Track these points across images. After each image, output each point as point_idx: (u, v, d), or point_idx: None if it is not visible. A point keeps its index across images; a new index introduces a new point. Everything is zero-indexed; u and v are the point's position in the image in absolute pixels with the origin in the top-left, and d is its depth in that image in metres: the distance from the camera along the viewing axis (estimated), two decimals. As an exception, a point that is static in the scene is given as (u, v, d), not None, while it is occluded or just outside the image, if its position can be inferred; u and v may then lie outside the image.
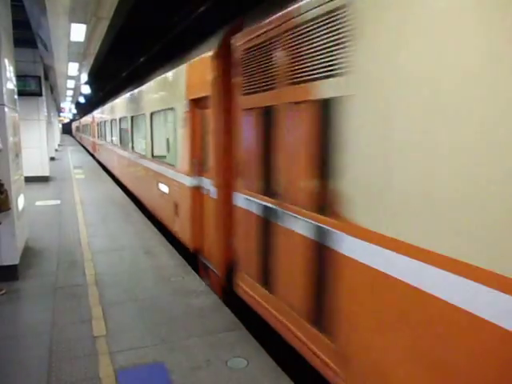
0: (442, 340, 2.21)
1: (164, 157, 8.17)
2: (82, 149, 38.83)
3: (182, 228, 6.95)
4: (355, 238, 2.81)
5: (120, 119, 13.90)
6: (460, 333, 2.12)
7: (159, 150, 8.66)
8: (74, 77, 16.79)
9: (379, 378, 2.68)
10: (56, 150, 30.04)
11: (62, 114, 49.05)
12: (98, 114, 22.86)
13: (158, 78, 8.32)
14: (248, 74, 4.39)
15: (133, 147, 11.69)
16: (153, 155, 9.12)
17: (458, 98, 2.06)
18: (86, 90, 22.11)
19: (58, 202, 11.52)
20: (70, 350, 3.98)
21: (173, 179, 7.35)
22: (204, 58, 5.55)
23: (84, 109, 44.94)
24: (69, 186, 14.47)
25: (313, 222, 3.34)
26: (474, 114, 2.00)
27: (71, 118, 63.41)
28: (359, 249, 2.77)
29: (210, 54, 5.29)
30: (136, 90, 10.73)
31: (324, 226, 3.19)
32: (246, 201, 4.57)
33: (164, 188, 8.02)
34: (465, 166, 2.05)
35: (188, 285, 5.62)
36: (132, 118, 11.43)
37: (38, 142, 14.93)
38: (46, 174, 15.51)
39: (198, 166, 6.17)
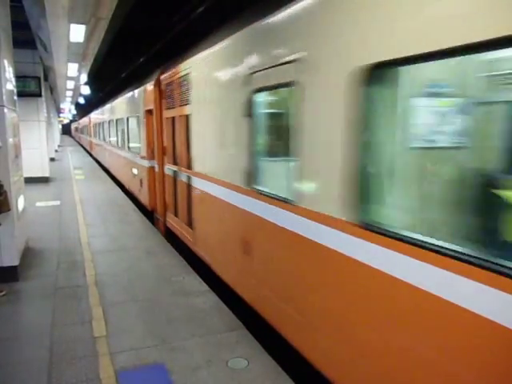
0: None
1: (135, 148, 11.24)
2: (81, 149, 38.84)
3: (144, 196, 10.24)
4: (196, 177, 6.21)
5: (109, 121, 17.41)
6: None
7: (132, 143, 11.91)
8: (74, 77, 16.80)
9: (205, 238, 6.02)
10: (56, 151, 30.04)
11: (61, 115, 49.04)
12: (92, 117, 27.31)
13: (130, 93, 11.65)
14: (166, 98, 7.83)
15: (117, 143, 15.01)
16: (129, 148, 12.42)
17: (206, 128, 5.69)
18: (86, 90, 22.13)
19: (58, 202, 11.52)
20: (71, 350, 3.98)
21: (139, 163, 10.67)
22: (149, 86, 8.96)
23: (83, 109, 44.93)
24: (69, 187, 14.48)
25: (186, 174, 6.76)
26: (205, 132, 5.72)
27: (71, 118, 63.44)
28: (197, 181, 6.17)
29: (152, 84, 8.60)
30: (118, 100, 14.39)
31: (189, 175, 6.56)
32: (168, 169, 8.12)
33: (134, 170, 11.40)
34: (209, 149, 5.64)
35: (188, 285, 5.62)
36: (116, 120, 14.77)
37: (37, 143, 14.93)
38: (46, 174, 15.51)
39: (151, 153, 9.38)
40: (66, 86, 20.69)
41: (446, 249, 2.19)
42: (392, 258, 2.51)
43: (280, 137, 4.07)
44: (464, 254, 2.11)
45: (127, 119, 12.19)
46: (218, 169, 5.36)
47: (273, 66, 3.76)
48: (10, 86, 6.44)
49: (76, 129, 59.11)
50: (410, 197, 2.88)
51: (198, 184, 6.11)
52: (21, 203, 6.63)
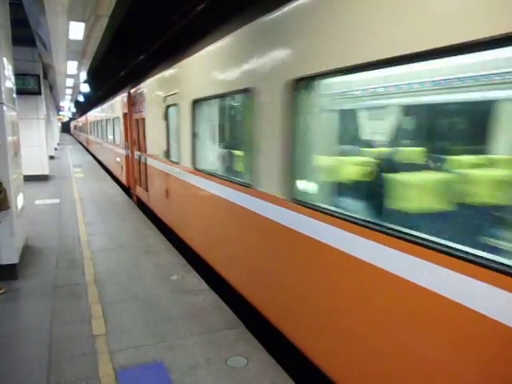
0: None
1: (117, 141, 14.88)
2: (81, 147, 38.79)
3: (123, 177, 13.69)
4: (148, 157, 9.84)
5: (100, 121, 21.11)
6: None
7: (116, 138, 15.26)
8: (73, 75, 16.77)
9: (152, 194, 9.64)
10: (55, 149, 30.00)
11: (61, 113, 48.99)
12: (88, 117, 31.86)
13: (113, 100, 15.45)
14: (134, 105, 11.24)
15: (106, 138, 18.62)
16: (114, 141, 15.80)
17: (151, 126, 9.42)
18: (85, 88, 22.09)
19: (58, 200, 11.51)
20: (70, 349, 3.98)
21: (120, 153, 14.10)
22: (124, 96, 12.42)
23: (83, 107, 44.89)
24: (68, 185, 14.46)
25: (143, 155, 10.30)
26: (150, 129, 9.45)
27: (70, 116, 63.42)
28: (148, 159, 9.82)
29: (125, 95, 12.03)
30: (105, 104, 18.37)
31: (145, 156, 10.12)
32: (136, 155, 11.35)
33: (117, 159, 14.88)
34: (151, 139, 9.42)
35: (188, 283, 5.62)
36: (107, 120, 18.14)
37: (37, 141, 14.91)
38: (46, 172, 15.50)
39: (127, 145, 12.64)
40: (65, 84, 20.65)
41: (339, 213, 3.10)
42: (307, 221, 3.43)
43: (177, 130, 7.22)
44: (351, 218, 2.95)
45: (112, 119, 15.91)
46: (154, 150, 8.97)
47: (171, 95, 7.33)
48: (10, 83, 6.43)
49: (75, 127, 63.63)
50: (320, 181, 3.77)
51: (148, 161, 9.70)
52: (20, 201, 6.62)
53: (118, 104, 14.08)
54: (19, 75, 11.83)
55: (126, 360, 3.80)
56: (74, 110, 52.98)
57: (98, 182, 15.50)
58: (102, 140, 20.58)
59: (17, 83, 7.52)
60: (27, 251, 6.77)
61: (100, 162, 22.71)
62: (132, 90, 11.35)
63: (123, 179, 13.71)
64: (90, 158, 27.00)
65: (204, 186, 5.82)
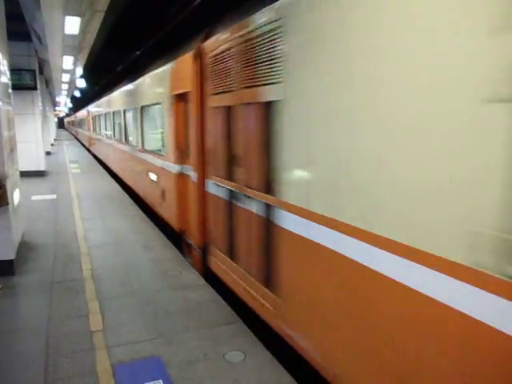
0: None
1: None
2: (77, 143, 38.70)
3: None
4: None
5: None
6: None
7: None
8: (69, 70, 16.67)
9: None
10: (52, 145, 29.88)
11: (57, 108, 48.77)
12: (78, 114, 35.00)
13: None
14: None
15: (100, 132, 18.83)
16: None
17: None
18: (82, 83, 21.98)
19: (54, 196, 11.48)
20: (67, 344, 3.98)
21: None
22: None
23: (79, 102, 44.70)
24: (65, 181, 14.42)
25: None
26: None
27: (67, 112, 63.29)
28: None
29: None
30: (98, 102, 18.26)
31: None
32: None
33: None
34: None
35: (185, 279, 5.62)
36: (101, 115, 17.79)
37: (33, 137, 14.84)
38: (42, 168, 15.44)
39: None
40: (61, 79, 20.54)
41: None
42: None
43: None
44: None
45: (104, 115, 12.36)
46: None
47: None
48: (5, 78, 6.40)
49: (68, 122, 67.50)
50: None
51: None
52: (16, 197, 6.61)
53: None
54: (15, 70, 11.75)
55: (123, 355, 3.81)
56: (70, 105, 52.75)
57: (94, 177, 15.46)
58: (95, 133, 18.68)
59: (12, 78, 7.49)
60: (24, 247, 6.75)
61: (99, 160, 20.71)
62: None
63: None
64: (87, 153, 26.92)
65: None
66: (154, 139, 9.11)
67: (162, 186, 8.01)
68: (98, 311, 4.67)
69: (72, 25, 8.80)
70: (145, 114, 9.52)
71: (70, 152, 27.72)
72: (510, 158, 1.82)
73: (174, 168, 6.98)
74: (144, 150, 9.75)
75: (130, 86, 11.26)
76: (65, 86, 25.16)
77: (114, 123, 15.01)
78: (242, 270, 4.61)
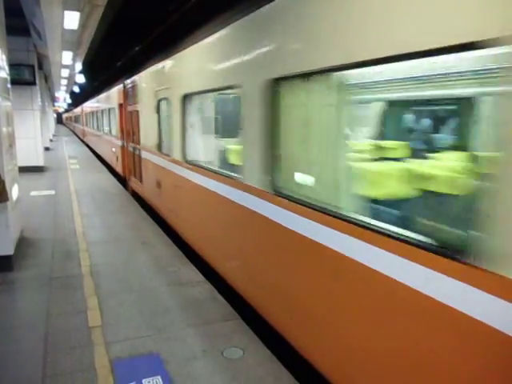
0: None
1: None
2: (76, 139, 38.65)
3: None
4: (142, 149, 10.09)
5: (90, 113, 24.55)
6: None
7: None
8: (68, 66, 16.62)
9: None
10: (51, 141, 29.82)
11: (56, 104, 48.63)
12: (76, 111, 41.00)
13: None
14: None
15: (97, 127, 21.04)
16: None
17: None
18: (81, 79, 21.92)
19: (53, 192, 11.46)
20: (66, 340, 3.98)
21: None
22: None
23: (79, 98, 44.60)
24: (64, 176, 14.40)
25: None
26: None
27: (66, 107, 63.17)
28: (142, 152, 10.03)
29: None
30: (96, 98, 21.05)
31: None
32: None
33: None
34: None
35: (184, 275, 5.62)
36: (97, 112, 20.28)
37: (32, 132, 14.81)
38: (41, 164, 15.41)
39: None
40: (60, 75, 20.48)
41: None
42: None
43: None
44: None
45: (101, 111, 17.70)
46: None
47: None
48: (4, 73, 6.37)
49: (66, 118, 75.60)
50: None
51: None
52: (15, 192, 6.59)
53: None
54: (13, 65, 11.69)
55: (122, 351, 3.80)
56: (69, 101, 52.59)
57: (93, 173, 15.43)
58: (98, 130, 21.10)
59: (11, 73, 7.44)
60: (23, 243, 6.74)
61: (97, 155, 22.32)
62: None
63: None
64: (86, 149, 26.87)
65: None
66: (110, 127, 15.58)
67: (115, 152, 14.41)
68: (96, 307, 4.67)
69: (71, 19, 8.77)
70: (110, 113, 15.32)
71: (68, 148, 27.66)
72: None
73: (119, 142, 13.32)
74: (106, 133, 17.14)
75: (98, 97, 19.82)
76: (64, 82, 25.09)
77: (95, 118, 21.71)
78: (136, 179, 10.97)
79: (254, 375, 3.48)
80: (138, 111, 9.93)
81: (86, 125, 29.46)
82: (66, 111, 71.34)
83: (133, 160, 11.21)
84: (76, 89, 32.41)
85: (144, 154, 9.56)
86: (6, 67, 6.69)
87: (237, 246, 4.76)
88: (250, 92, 4.05)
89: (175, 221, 7.29)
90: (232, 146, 6.12)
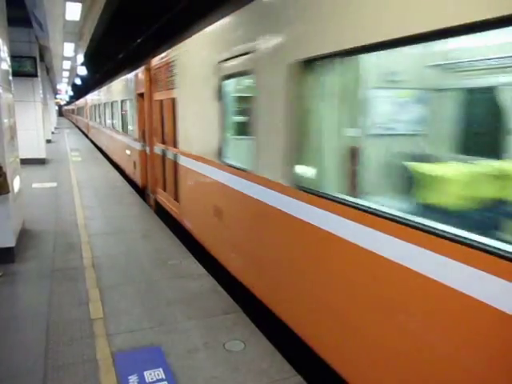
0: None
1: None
2: (78, 131, 38.66)
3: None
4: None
5: (90, 107, 24.72)
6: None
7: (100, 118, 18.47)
8: (70, 58, 16.55)
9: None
10: (52, 133, 29.79)
11: (58, 96, 48.53)
12: (77, 104, 41.82)
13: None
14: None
15: (94, 119, 22.54)
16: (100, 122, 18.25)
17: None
18: (82, 71, 21.84)
19: (55, 184, 11.46)
20: (68, 332, 3.98)
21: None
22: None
23: (81, 90, 44.52)
24: (65, 169, 14.40)
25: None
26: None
27: (67, 100, 63.08)
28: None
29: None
30: (104, 88, 18.37)
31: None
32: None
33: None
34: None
35: (186, 268, 5.62)
36: (96, 106, 21.12)
37: (33, 124, 14.77)
38: (43, 156, 15.40)
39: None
40: (62, 67, 20.40)
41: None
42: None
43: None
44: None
45: (93, 106, 19.30)
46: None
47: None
48: (5, 65, 6.34)
49: (66, 110, 77.00)
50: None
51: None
52: (17, 184, 6.59)
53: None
54: (15, 57, 11.64)
55: (123, 343, 3.81)
56: (71, 93, 52.48)
57: (95, 165, 15.43)
58: (91, 119, 24.82)
59: (13, 65, 7.41)
60: (24, 235, 6.75)
61: (99, 148, 22.19)
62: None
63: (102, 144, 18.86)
64: (88, 141, 26.87)
65: None
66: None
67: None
68: (98, 299, 4.67)
69: (73, 11, 8.70)
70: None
71: (70, 140, 27.65)
72: None
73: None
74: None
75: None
76: (65, 74, 25.00)
77: (103, 113, 18.89)
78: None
79: (256, 367, 3.48)
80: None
81: (91, 118, 26.29)
82: (68, 104, 71.18)
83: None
84: (78, 81, 32.32)
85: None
86: (8, 59, 6.65)
87: None
88: None
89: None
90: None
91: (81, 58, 17.50)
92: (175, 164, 7.25)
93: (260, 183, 4.08)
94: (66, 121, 64.81)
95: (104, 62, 25.47)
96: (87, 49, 15.21)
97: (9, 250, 5.73)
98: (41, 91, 15.97)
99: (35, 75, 14.42)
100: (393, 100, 3.69)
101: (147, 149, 9.53)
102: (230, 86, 5.02)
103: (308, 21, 3.20)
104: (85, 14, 9.40)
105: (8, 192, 5.57)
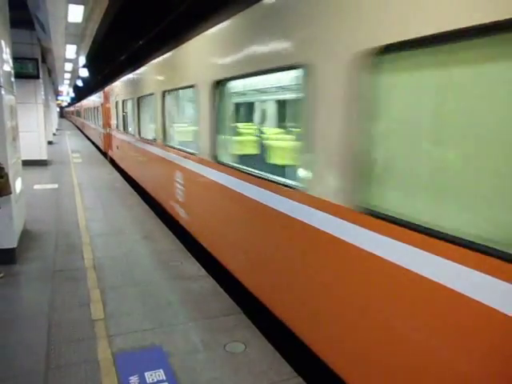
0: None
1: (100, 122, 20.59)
2: (79, 133, 38.70)
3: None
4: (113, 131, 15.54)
5: (87, 109, 29.51)
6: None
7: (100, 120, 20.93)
8: (72, 60, 16.62)
9: (117, 154, 15.37)
10: (54, 135, 29.84)
11: (59, 98, 48.64)
12: (77, 106, 45.85)
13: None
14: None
15: (93, 119, 25.22)
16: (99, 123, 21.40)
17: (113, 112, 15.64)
18: (84, 73, 21.90)
19: (56, 185, 11.48)
20: (69, 333, 4.00)
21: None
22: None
23: (82, 92, 44.62)
24: (67, 170, 14.43)
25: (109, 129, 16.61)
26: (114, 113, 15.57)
27: (69, 101, 63.19)
28: (113, 132, 15.68)
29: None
30: (92, 96, 24.84)
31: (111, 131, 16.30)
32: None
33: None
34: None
35: (186, 269, 5.63)
36: (92, 108, 24.69)
37: (35, 126, 14.81)
38: (44, 157, 15.42)
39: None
40: (64, 68, 20.47)
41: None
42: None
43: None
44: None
45: (97, 107, 20.98)
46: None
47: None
48: (8, 67, 6.36)
49: (66, 112, 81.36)
50: None
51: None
52: (18, 186, 6.61)
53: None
54: (17, 59, 11.67)
55: (124, 344, 3.82)
56: (73, 94, 52.57)
57: (96, 167, 15.46)
58: (92, 122, 26.24)
59: (15, 67, 7.43)
60: (26, 235, 6.77)
61: (99, 148, 22.66)
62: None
63: (101, 144, 21.69)
64: (89, 143, 26.91)
65: None
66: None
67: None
68: (99, 300, 4.69)
69: (75, 13, 8.75)
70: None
71: (71, 142, 27.69)
72: None
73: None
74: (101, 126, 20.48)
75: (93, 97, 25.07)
76: (67, 76, 25.08)
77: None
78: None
79: (256, 369, 3.50)
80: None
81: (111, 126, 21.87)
82: (69, 105, 71.33)
83: None
84: (79, 83, 32.39)
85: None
86: (10, 60, 6.68)
87: None
88: None
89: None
90: None
91: (83, 60, 17.55)
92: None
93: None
94: (68, 122, 64.91)
95: (105, 64, 25.53)
96: (89, 51, 15.25)
97: (11, 250, 5.75)
98: (42, 93, 16.01)
99: (37, 77, 14.46)
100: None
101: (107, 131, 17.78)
102: None
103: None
104: (87, 16, 9.44)
105: (10, 193, 5.59)
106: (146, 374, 3.40)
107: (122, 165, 13.89)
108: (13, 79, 6.92)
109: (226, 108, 5.46)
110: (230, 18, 4.63)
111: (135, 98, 10.33)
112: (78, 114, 45.74)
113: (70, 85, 34.90)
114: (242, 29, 4.39)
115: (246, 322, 4.26)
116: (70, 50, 14.04)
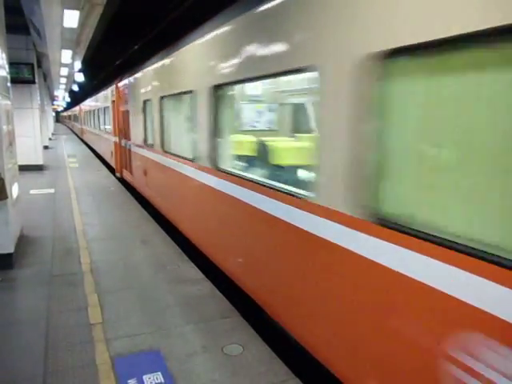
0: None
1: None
2: (75, 137, 38.64)
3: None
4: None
5: (85, 112, 27.94)
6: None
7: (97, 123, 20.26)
8: (68, 64, 16.62)
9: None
10: (50, 139, 29.79)
11: (55, 102, 48.58)
12: (72, 111, 46.30)
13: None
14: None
15: (89, 124, 24.61)
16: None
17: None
18: (80, 77, 21.91)
19: (52, 190, 11.47)
20: (67, 337, 4.00)
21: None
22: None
23: (77, 96, 44.57)
24: (63, 175, 14.41)
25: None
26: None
27: (65, 106, 63.15)
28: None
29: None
30: (99, 94, 19.97)
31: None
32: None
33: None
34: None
35: (184, 273, 5.64)
36: (89, 112, 23.34)
37: (31, 131, 14.79)
38: (40, 162, 15.40)
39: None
40: (59, 73, 20.47)
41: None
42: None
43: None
44: None
45: (88, 112, 21.16)
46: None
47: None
48: (3, 72, 6.38)
49: (62, 116, 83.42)
50: None
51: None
52: (15, 191, 6.61)
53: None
54: (13, 64, 11.68)
55: (122, 348, 3.83)
56: (68, 99, 52.53)
57: (92, 172, 15.44)
58: (84, 124, 29.48)
59: (10, 72, 7.45)
60: (23, 241, 6.76)
61: (96, 153, 22.50)
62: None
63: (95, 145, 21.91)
64: (84, 147, 26.87)
65: None
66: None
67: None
68: (97, 304, 4.69)
69: (71, 18, 8.77)
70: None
71: (67, 146, 27.65)
72: None
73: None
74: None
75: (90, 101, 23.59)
76: (63, 80, 25.07)
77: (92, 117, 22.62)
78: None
79: (254, 371, 3.51)
80: None
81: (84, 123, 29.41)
82: (65, 110, 71.38)
83: None
84: (75, 87, 32.37)
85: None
86: (6, 66, 6.70)
87: None
88: None
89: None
90: None
91: (78, 65, 17.57)
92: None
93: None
94: (64, 127, 64.84)
95: (101, 69, 25.55)
96: (84, 55, 15.27)
97: (8, 256, 5.75)
98: (38, 98, 16.00)
99: (33, 82, 14.46)
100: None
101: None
102: None
103: None
104: (82, 21, 9.46)
105: (6, 198, 5.59)
106: (144, 377, 3.41)
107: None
108: (9, 84, 6.93)
109: None
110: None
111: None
112: (76, 118, 41.77)
113: (65, 89, 34.87)
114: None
115: (243, 325, 4.28)
116: (66, 55, 14.05)
